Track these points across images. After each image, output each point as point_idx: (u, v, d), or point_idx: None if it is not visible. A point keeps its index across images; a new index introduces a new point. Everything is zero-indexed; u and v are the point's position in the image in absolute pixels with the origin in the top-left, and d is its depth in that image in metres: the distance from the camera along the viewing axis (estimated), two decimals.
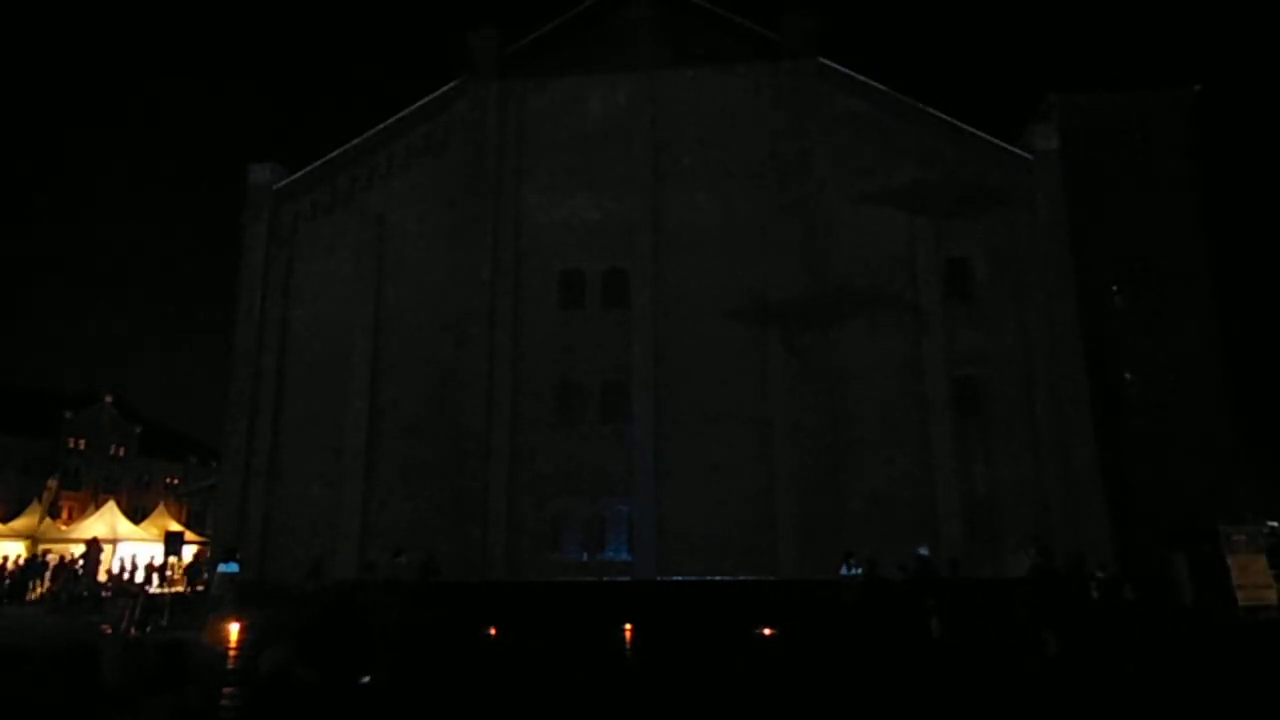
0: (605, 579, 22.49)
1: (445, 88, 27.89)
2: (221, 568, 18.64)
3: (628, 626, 15.65)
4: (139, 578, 28.12)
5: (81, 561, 26.64)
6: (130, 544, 31.31)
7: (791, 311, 24.92)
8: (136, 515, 38.17)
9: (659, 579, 22.32)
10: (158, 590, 25.42)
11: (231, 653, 13.66)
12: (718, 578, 21.40)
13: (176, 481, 64.17)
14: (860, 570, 18.21)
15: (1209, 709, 8.99)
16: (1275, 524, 23.05)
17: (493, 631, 15.50)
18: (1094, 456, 23.29)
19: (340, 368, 26.35)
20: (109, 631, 17.52)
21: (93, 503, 44.87)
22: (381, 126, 27.93)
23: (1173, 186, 26.95)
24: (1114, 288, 26.37)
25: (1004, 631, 13.79)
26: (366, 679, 9.60)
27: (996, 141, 25.84)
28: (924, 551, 17.39)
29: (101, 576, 27.29)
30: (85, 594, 23.96)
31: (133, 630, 17.53)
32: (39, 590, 28.05)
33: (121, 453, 61.93)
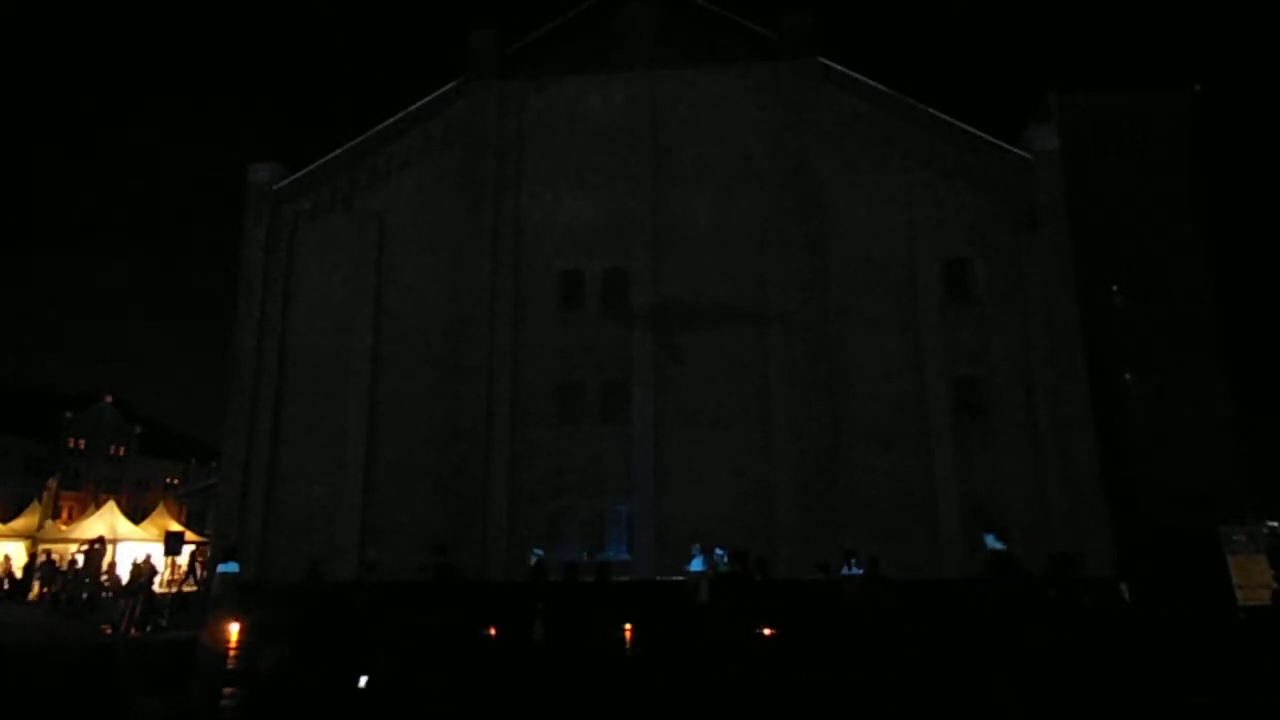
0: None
1: (445, 88, 27.90)
2: (221, 568, 18.65)
3: (628, 626, 15.65)
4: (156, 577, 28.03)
5: (82, 561, 26.62)
6: (134, 544, 31.29)
7: (791, 311, 24.94)
8: (136, 515, 38.17)
9: (659, 579, 22.31)
10: (159, 590, 25.41)
11: (231, 653, 13.68)
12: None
13: (176, 481, 64.21)
14: (860, 569, 18.29)
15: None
16: (1275, 524, 23.07)
17: (492, 631, 15.48)
18: (1094, 456, 23.29)
19: (340, 368, 26.36)
20: (109, 631, 17.56)
21: (93, 503, 44.91)
22: (381, 127, 27.93)
23: (1173, 187, 26.95)
24: (1114, 288, 26.37)
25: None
26: (365, 680, 9.64)
27: (996, 141, 25.84)
28: (539, 552, 17.58)
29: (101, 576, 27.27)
30: (85, 594, 23.95)
31: (133, 630, 17.56)
32: (38, 590, 28.09)
33: (121, 453, 61.96)
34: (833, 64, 26.48)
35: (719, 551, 18.58)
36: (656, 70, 27.00)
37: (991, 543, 16.87)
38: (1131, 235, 26.36)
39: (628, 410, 25.01)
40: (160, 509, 36.08)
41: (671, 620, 15.73)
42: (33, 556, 30.67)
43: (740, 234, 25.77)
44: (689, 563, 18.51)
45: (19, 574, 29.94)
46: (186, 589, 26.72)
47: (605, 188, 26.51)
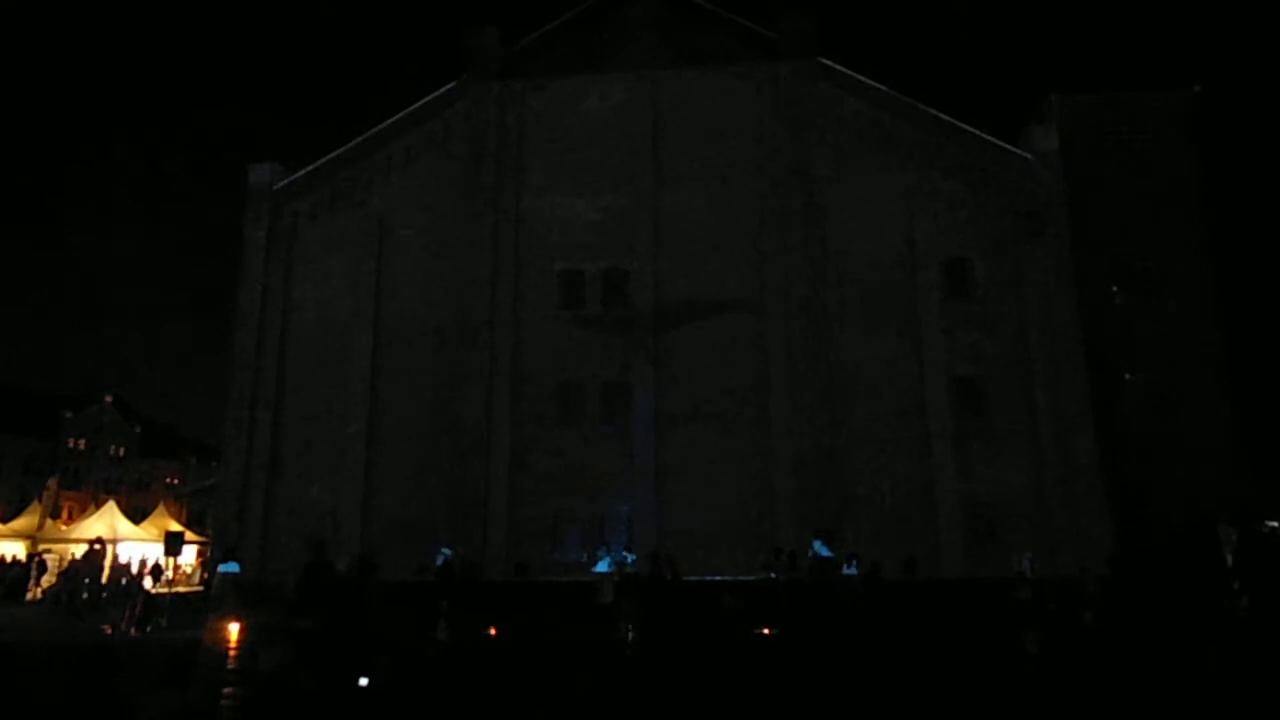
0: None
1: (445, 88, 27.91)
2: (221, 568, 18.64)
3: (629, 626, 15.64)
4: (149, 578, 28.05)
5: (83, 562, 26.61)
6: (134, 544, 31.28)
7: (791, 311, 24.94)
8: (136, 515, 38.15)
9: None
10: (158, 590, 25.41)
11: (231, 653, 13.68)
12: (717, 578, 21.38)
13: (176, 481, 64.21)
14: (857, 570, 18.27)
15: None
16: (1275, 524, 23.03)
17: (493, 631, 15.50)
18: (1094, 456, 23.30)
19: (340, 368, 26.37)
20: (109, 631, 17.54)
21: (93, 503, 44.88)
22: (381, 126, 27.95)
23: (1173, 186, 26.94)
24: (1114, 288, 26.36)
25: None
26: (364, 680, 9.63)
27: (996, 141, 25.86)
28: (446, 552, 17.70)
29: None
30: (86, 595, 23.90)
31: (133, 630, 17.55)
32: (39, 590, 28.03)
33: (121, 453, 61.96)
34: (833, 64, 26.49)
35: (623, 552, 19.02)
36: (656, 70, 27.01)
37: (819, 549, 17.19)
38: (1131, 235, 26.35)
39: (628, 410, 25.02)
40: (160, 509, 36.07)
41: (577, 619, 15.99)
42: (31, 556, 30.64)
43: (740, 234, 25.77)
44: (595, 564, 18.68)
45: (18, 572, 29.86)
46: (182, 589, 26.69)
47: (605, 188, 26.51)
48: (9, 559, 30.09)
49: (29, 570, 29.52)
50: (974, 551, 22.95)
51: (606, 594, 17.25)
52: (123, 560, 28.91)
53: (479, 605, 15.86)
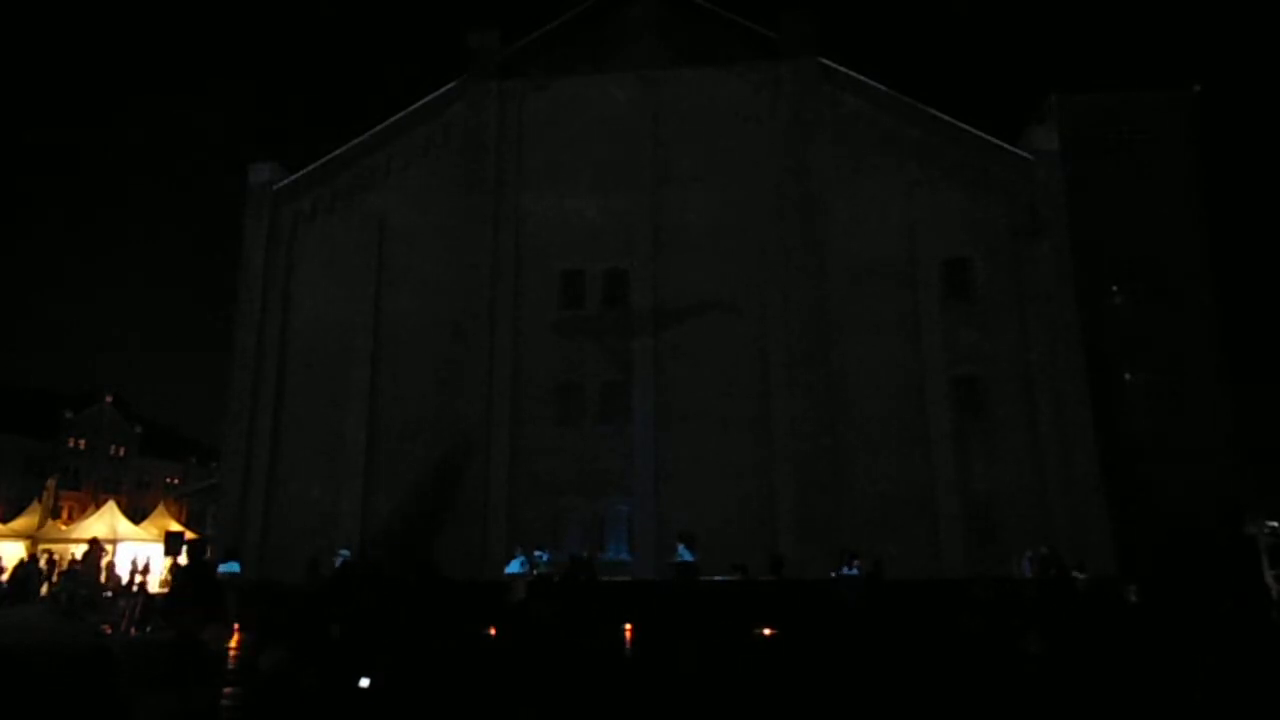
0: (605, 579, 22.43)
1: (445, 88, 27.92)
2: (222, 568, 18.64)
3: (628, 626, 15.65)
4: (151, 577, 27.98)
5: (82, 562, 26.58)
6: (133, 544, 31.24)
7: (791, 311, 24.94)
8: (136, 515, 38.12)
9: (659, 579, 22.29)
10: (157, 590, 25.38)
11: (231, 653, 13.68)
12: (718, 578, 21.36)
13: (176, 481, 64.19)
14: (858, 569, 18.20)
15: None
16: (1275, 524, 23.07)
17: (493, 631, 15.50)
18: (1094, 457, 23.30)
19: (340, 368, 26.38)
20: (109, 631, 17.55)
21: (93, 503, 44.86)
22: (381, 127, 27.96)
23: (1173, 186, 26.95)
24: (1114, 288, 26.37)
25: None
26: (366, 681, 9.63)
27: (997, 141, 25.86)
28: (345, 553, 17.54)
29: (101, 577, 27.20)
30: (85, 593, 23.90)
31: (133, 630, 17.55)
32: (42, 591, 27.98)
33: (121, 453, 61.95)
34: (833, 64, 26.48)
35: (538, 553, 19.13)
36: (657, 70, 27.01)
37: (682, 553, 17.22)
38: (1131, 235, 26.36)
39: (627, 410, 25.02)
40: (160, 509, 35.99)
41: (487, 618, 16.00)
42: (33, 557, 30.58)
43: (740, 234, 25.77)
44: (508, 565, 18.80)
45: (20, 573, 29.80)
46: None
47: (605, 188, 26.51)
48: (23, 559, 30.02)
49: (29, 570, 29.47)
50: (974, 551, 22.94)
51: (519, 592, 17.38)
52: (123, 561, 28.96)
53: (378, 605, 15.79)
